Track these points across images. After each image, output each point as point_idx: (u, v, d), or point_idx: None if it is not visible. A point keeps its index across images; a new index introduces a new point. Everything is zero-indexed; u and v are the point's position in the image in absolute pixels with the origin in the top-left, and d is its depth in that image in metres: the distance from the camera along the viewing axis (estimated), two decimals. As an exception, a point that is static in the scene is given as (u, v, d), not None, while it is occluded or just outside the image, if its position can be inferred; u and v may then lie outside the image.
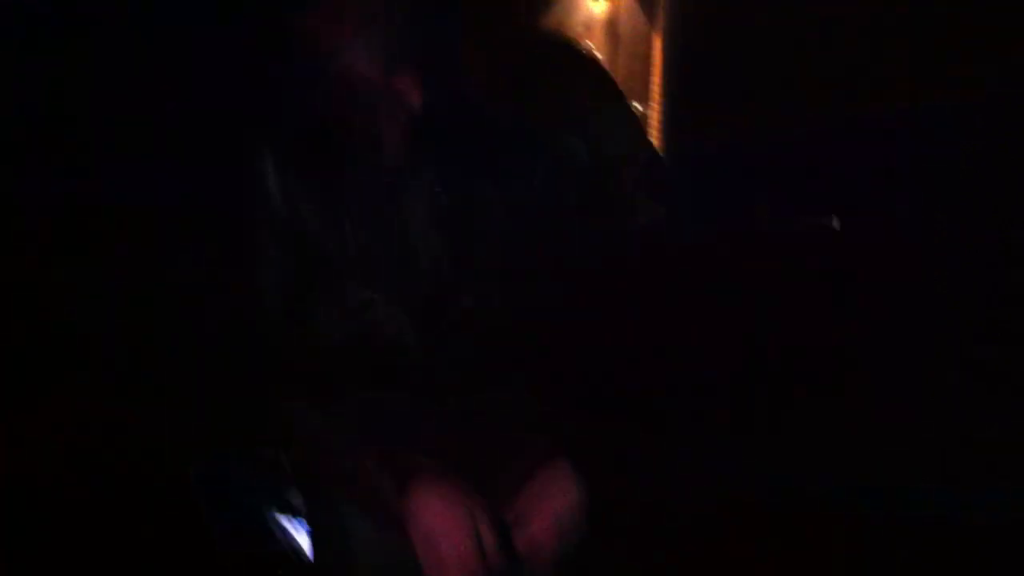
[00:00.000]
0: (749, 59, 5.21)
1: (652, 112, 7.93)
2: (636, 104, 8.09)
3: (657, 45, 8.02)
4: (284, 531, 1.84)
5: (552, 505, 1.61)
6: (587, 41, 8.31)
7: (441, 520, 1.50)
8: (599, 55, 8.26)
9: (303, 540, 1.80)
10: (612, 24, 8.26)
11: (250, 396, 1.73)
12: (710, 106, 5.97)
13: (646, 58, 8.17)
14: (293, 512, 1.84)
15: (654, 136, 7.87)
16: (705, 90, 6.24)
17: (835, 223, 3.98)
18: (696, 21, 6.82)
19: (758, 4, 5.10)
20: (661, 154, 7.58)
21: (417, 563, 1.53)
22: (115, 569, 2.09)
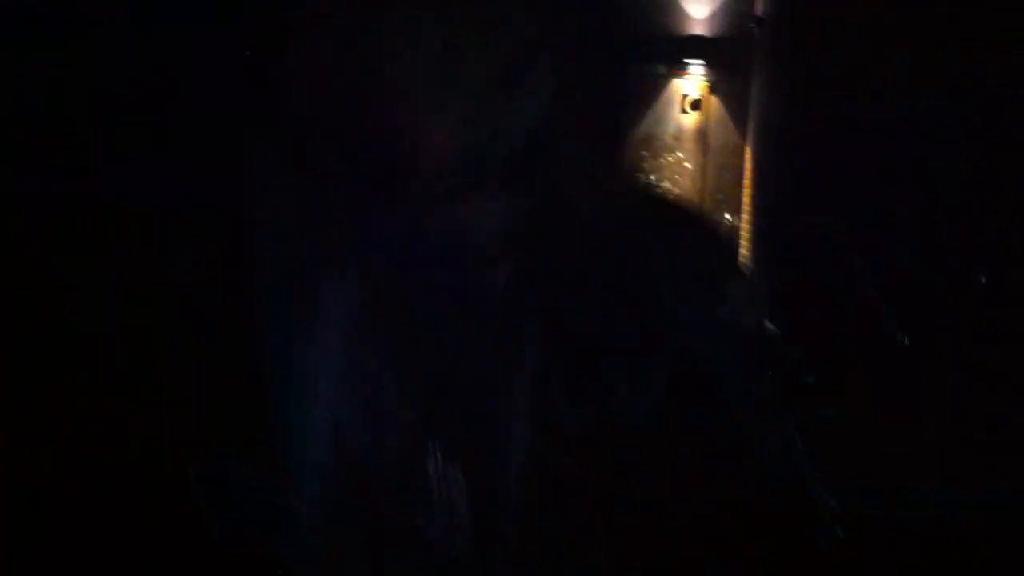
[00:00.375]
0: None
1: (743, 224, 7.98)
2: (728, 215, 8.18)
3: (747, 157, 8.06)
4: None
5: None
6: (678, 153, 8.38)
7: None
8: (689, 165, 8.34)
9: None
10: (702, 136, 8.35)
11: (250, 397, 1.73)
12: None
13: (736, 169, 8.36)
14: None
15: (744, 246, 7.91)
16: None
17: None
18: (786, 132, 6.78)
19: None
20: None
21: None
22: (115, 569, 2.10)
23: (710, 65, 8.17)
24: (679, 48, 8.10)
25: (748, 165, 8.08)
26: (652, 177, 8.32)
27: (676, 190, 8.36)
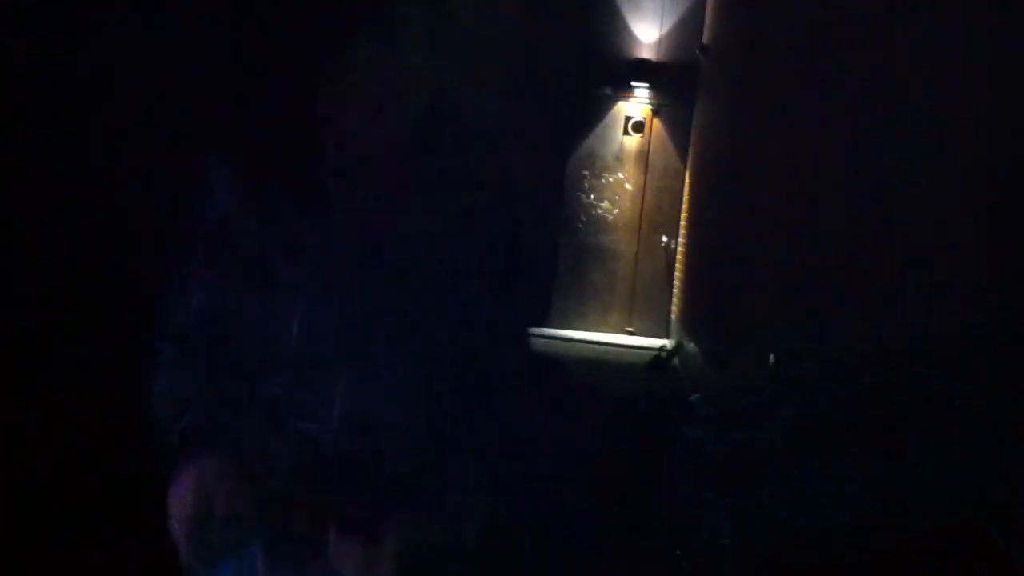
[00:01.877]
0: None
1: (680, 243, 8.15)
2: (664, 236, 8.34)
3: (687, 180, 8.19)
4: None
5: None
6: (619, 173, 8.46)
7: None
8: (629, 186, 8.44)
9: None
10: (643, 157, 8.46)
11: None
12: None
13: (675, 191, 8.34)
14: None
15: (680, 262, 8.03)
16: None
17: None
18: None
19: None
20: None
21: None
22: (115, 569, 2.02)
23: (655, 89, 8.30)
24: (625, 71, 8.21)
25: (687, 188, 8.21)
26: (592, 196, 8.41)
27: (615, 210, 8.47)
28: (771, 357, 4.39)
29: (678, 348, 7.31)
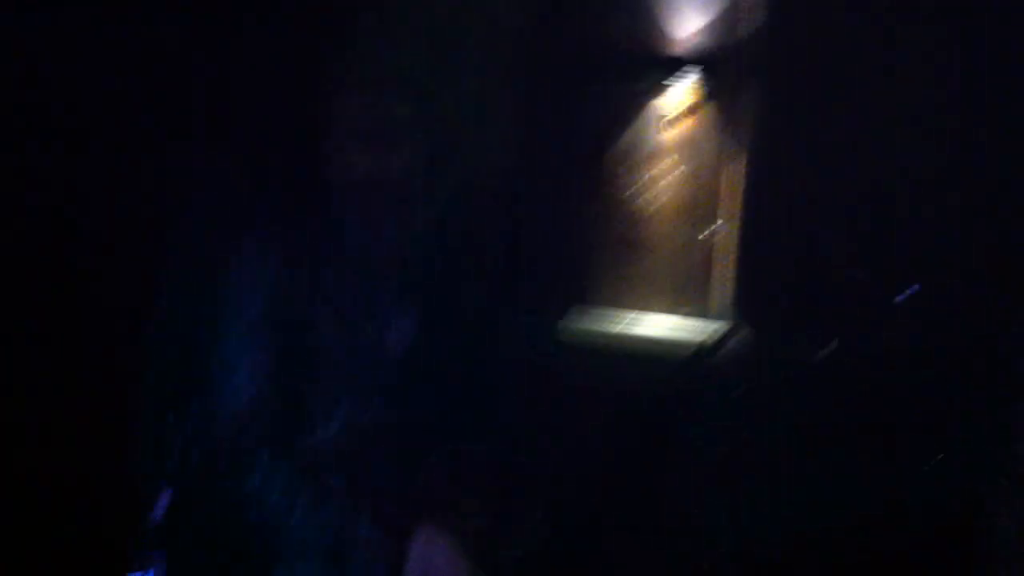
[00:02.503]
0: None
1: (727, 232, 8.04)
2: (710, 225, 8.30)
3: (726, 173, 8.05)
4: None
5: None
6: (656, 169, 8.46)
7: None
8: (673, 175, 8.44)
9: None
10: (681, 151, 8.27)
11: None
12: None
13: (714, 185, 8.15)
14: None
15: (728, 251, 8.06)
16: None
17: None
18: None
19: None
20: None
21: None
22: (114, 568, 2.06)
23: (697, 79, 8.26)
24: (662, 65, 8.19)
25: (735, 175, 8.17)
26: (633, 187, 8.40)
27: (655, 203, 8.45)
28: (829, 345, 4.37)
29: (723, 339, 7.31)
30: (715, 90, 8.18)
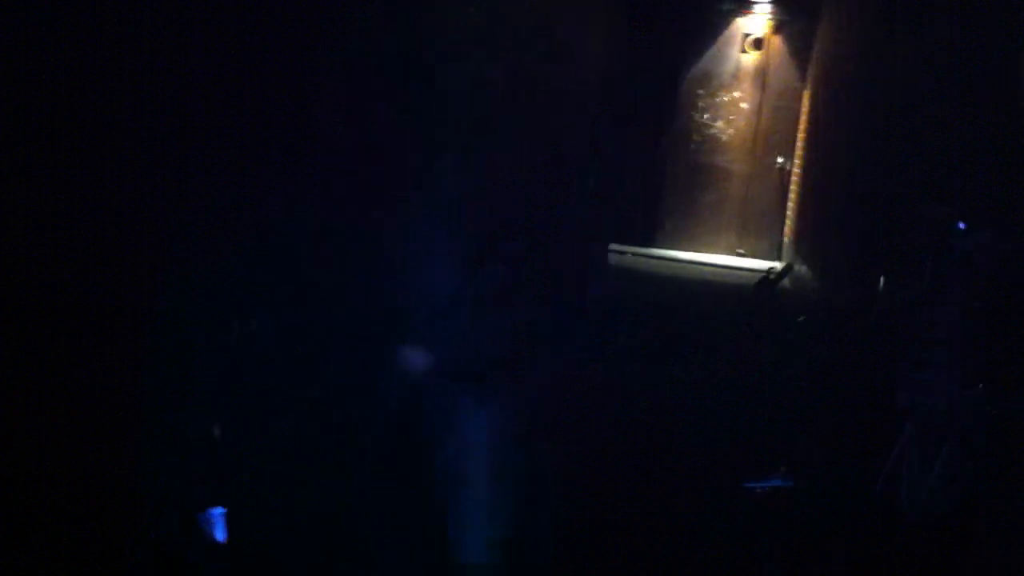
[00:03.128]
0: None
1: (795, 165, 8.07)
2: (780, 158, 8.21)
3: (806, 100, 7.92)
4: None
5: None
6: (735, 92, 8.27)
7: None
8: (745, 105, 8.24)
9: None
10: (761, 76, 8.24)
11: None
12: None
13: (793, 112, 8.04)
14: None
15: (795, 184, 7.86)
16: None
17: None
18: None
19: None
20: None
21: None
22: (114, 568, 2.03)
23: (776, 3, 8.05)
24: (745, -16, 7.99)
25: (806, 108, 8.00)
26: (706, 115, 8.28)
27: (730, 129, 8.33)
28: (881, 280, 4.34)
29: (787, 269, 7.26)
30: (794, 17, 7.98)
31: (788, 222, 8.04)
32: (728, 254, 8.31)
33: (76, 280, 1.72)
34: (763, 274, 7.27)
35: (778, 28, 8.14)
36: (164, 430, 1.89)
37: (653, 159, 8.23)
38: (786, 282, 7.42)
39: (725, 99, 8.28)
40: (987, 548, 2.50)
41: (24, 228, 1.66)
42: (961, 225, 2.98)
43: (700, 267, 7.95)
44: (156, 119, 1.80)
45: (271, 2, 1.88)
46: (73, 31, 1.65)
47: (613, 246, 7.65)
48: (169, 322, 1.87)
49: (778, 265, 7.69)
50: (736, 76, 8.25)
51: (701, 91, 8.30)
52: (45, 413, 1.72)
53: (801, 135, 8.00)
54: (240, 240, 1.89)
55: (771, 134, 8.27)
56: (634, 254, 7.97)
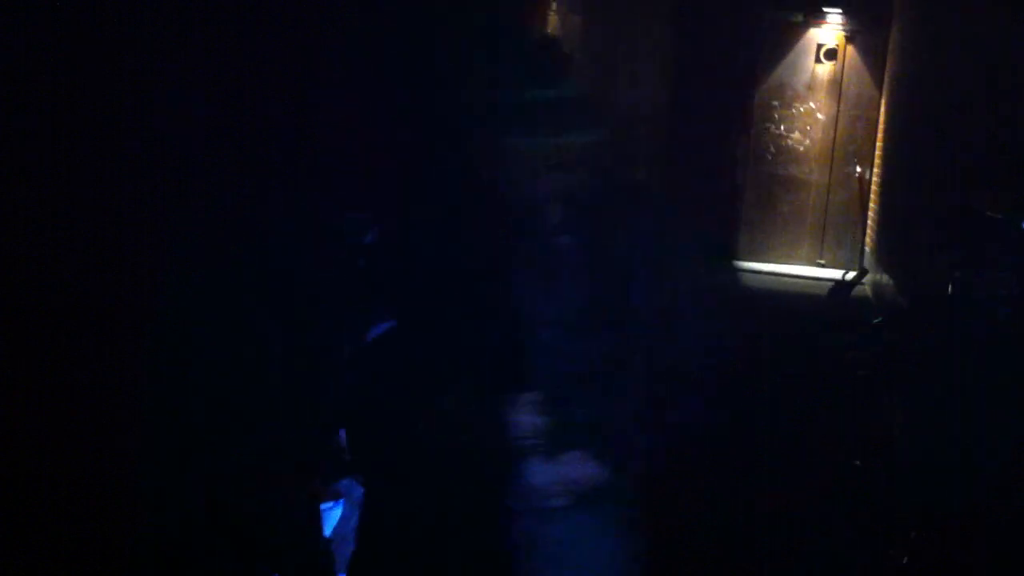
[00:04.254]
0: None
1: (874, 173, 7.94)
2: (859, 167, 8.04)
3: (883, 108, 7.90)
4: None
5: None
6: (810, 103, 8.34)
7: None
8: (821, 116, 8.29)
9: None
10: (836, 85, 8.20)
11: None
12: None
13: (870, 121, 8.04)
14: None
15: (875, 192, 8.01)
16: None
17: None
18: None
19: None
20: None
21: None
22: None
23: (848, 13, 8.03)
24: (818, -4, 7.99)
25: (883, 117, 7.93)
26: (782, 126, 8.27)
27: (806, 140, 8.29)
28: (949, 286, 4.32)
29: (862, 274, 7.23)
30: (866, 27, 7.94)
31: (869, 231, 7.95)
32: (808, 265, 8.26)
33: (76, 280, 1.73)
34: (838, 280, 7.26)
35: (851, 38, 8.12)
36: (165, 430, 1.87)
37: (728, 172, 8.25)
38: (867, 290, 7.35)
39: (801, 109, 8.27)
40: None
41: (24, 228, 1.66)
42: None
43: (778, 278, 7.92)
44: (156, 119, 1.79)
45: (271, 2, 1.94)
46: (73, 31, 1.66)
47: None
48: (170, 322, 1.85)
49: (852, 272, 7.63)
50: (811, 86, 8.24)
51: (776, 102, 8.30)
52: (45, 413, 1.71)
53: (879, 144, 7.93)
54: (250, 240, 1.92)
55: (848, 143, 8.22)
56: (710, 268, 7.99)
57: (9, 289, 1.60)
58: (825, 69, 8.18)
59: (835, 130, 8.22)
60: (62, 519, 1.75)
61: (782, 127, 8.32)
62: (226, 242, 1.80)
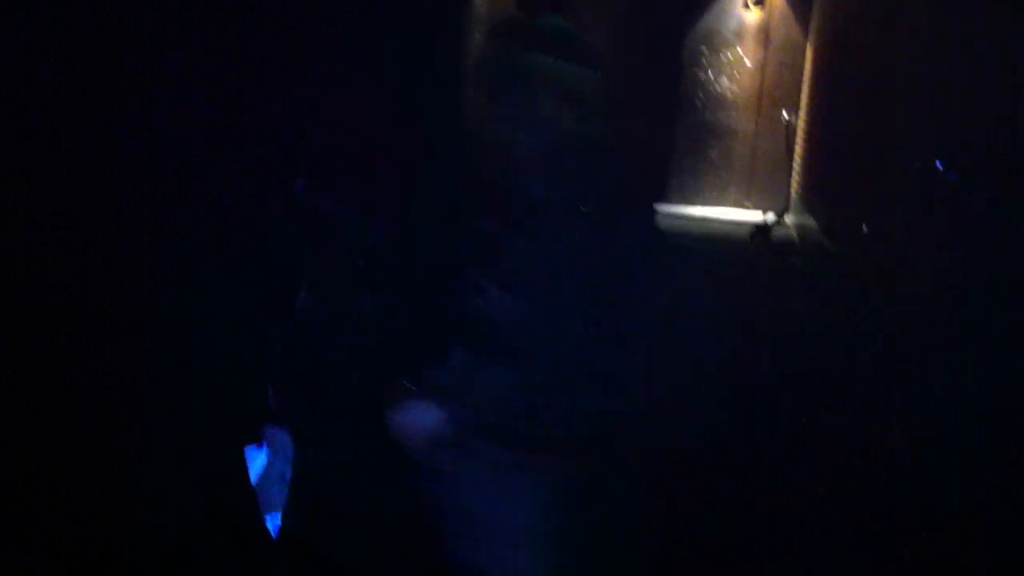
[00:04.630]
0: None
1: (800, 120, 8.08)
2: (785, 113, 8.29)
3: (808, 55, 8.02)
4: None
5: None
6: (738, 49, 8.36)
7: None
8: (749, 62, 8.33)
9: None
10: (764, 32, 8.31)
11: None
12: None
13: (796, 67, 8.16)
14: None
15: (801, 139, 8.13)
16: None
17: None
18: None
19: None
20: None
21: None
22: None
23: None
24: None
25: (809, 63, 8.10)
26: (710, 73, 8.39)
27: (734, 87, 8.44)
28: (863, 227, 4.51)
29: (780, 216, 7.53)
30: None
31: (795, 175, 8.19)
32: (735, 208, 8.48)
33: (76, 280, 1.72)
34: (758, 224, 7.54)
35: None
36: (165, 430, 1.87)
37: (657, 118, 8.36)
38: (793, 233, 7.60)
39: (729, 56, 8.39)
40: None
41: (24, 228, 1.65)
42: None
43: (704, 223, 8.13)
44: (156, 119, 1.78)
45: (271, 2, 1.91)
46: (73, 31, 1.65)
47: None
48: (171, 322, 1.85)
49: (772, 215, 7.92)
50: (739, 33, 8.36)
51: (704, 48, 8.41)
52: (45, 413, 1.71)
53: (806, 89, 8.12)
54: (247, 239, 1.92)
55: (776, 89, 8.39)
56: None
57: (9, 289, 1.61)
58: (753, 15, 8.29)
59: (762, 76, 8.38)
60: (62, 519, 1.75)
61: (710, 73, 8.44)
62: (226, 242, 1.80)
